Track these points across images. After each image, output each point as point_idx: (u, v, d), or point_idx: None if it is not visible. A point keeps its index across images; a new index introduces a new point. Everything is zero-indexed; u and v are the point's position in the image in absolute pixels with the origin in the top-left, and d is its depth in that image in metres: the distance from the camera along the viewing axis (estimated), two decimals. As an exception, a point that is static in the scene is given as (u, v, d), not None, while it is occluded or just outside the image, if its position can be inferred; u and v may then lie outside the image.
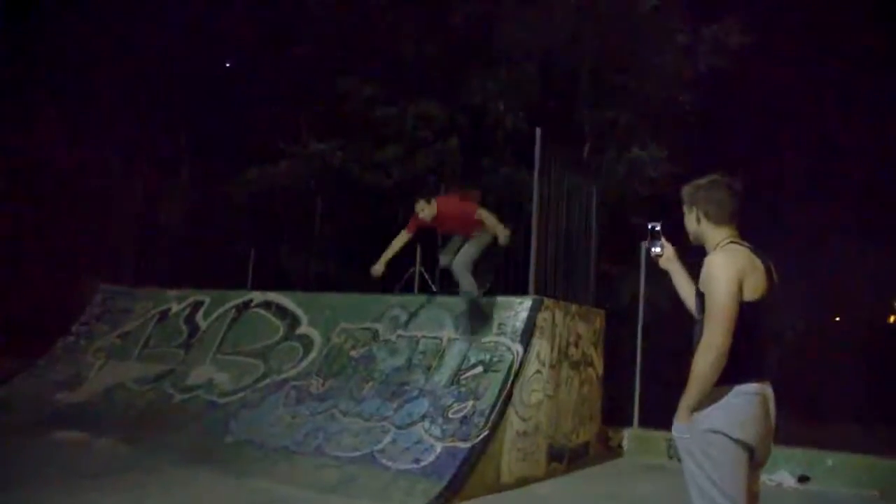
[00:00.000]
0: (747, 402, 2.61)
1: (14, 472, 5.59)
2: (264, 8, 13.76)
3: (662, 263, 3.06)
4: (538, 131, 7.22)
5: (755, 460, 2.66)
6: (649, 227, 3.07)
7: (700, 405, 2.62)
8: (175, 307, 9.36)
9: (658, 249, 3.03)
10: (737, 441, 2.57)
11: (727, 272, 2.61)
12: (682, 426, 2.65)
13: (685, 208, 2.93)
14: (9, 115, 13.95)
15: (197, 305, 9.19)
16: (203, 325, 8.86)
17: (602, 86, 11.04)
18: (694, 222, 2.87)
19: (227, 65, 16.33)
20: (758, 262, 2.69)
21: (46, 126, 14.41)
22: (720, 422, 2.59)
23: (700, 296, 2.72)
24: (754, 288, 2.63)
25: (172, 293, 9.66)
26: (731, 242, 2.75)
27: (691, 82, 11.33)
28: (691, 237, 2.94)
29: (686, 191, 2.92)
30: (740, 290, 2.60)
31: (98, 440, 6.97)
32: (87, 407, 8.04)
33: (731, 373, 2.58)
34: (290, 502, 5.28)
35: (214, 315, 8.88)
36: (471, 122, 11.57)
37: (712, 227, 2.82)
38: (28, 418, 7.90)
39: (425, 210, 6.62)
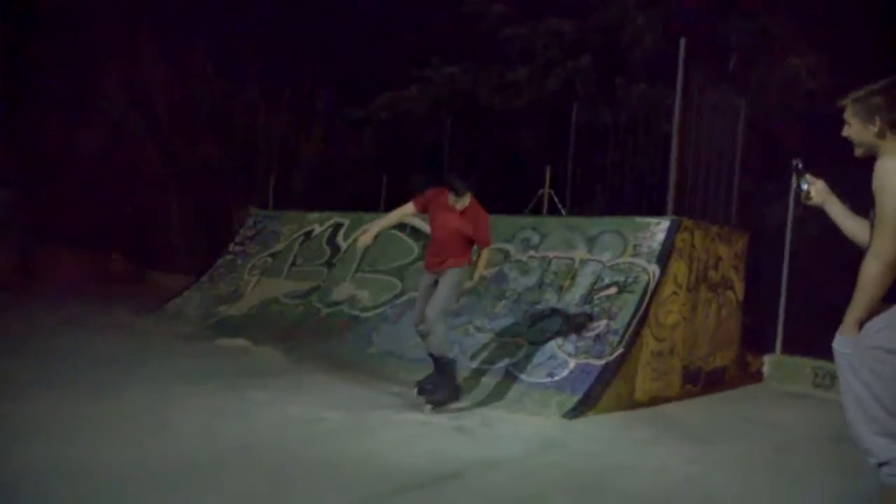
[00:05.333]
0: None
1: (187, 371, 6.32)
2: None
3: (815, 200, 2.86)
4: (682, 42, 6.82)
5: None
6: (793, 164, 2.91)
7: (868, 320, 2.50)
8: (317, 229, 9.95)
9: (806, 187, 2.87)
10: None
11: None
12: (847, 339, 2.54)
13: (854, 117, 2.69)
14: (166, 59, 15.07)
15: (337, 227, 9.72)
16: (343, 245, 9.38)
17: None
18: (870, 134, 2.63)
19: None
20: None
21: (199, 66, 15.44)
22: (893, 342, 2.46)
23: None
24: None
25: (314, 216, 10.25)
26: None
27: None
28: (861, 150, 2.72)
29: (859, 97, 2.67)
30: None
31: (257, 347, 7.71)
32: (246, 318, 8.88)
33: None
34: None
35: (353, 236, 9.34)
36: (605, 39, 11.04)
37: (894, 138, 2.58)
38: (197, 327, 8.87)
39: (459, 202, 5.34)
